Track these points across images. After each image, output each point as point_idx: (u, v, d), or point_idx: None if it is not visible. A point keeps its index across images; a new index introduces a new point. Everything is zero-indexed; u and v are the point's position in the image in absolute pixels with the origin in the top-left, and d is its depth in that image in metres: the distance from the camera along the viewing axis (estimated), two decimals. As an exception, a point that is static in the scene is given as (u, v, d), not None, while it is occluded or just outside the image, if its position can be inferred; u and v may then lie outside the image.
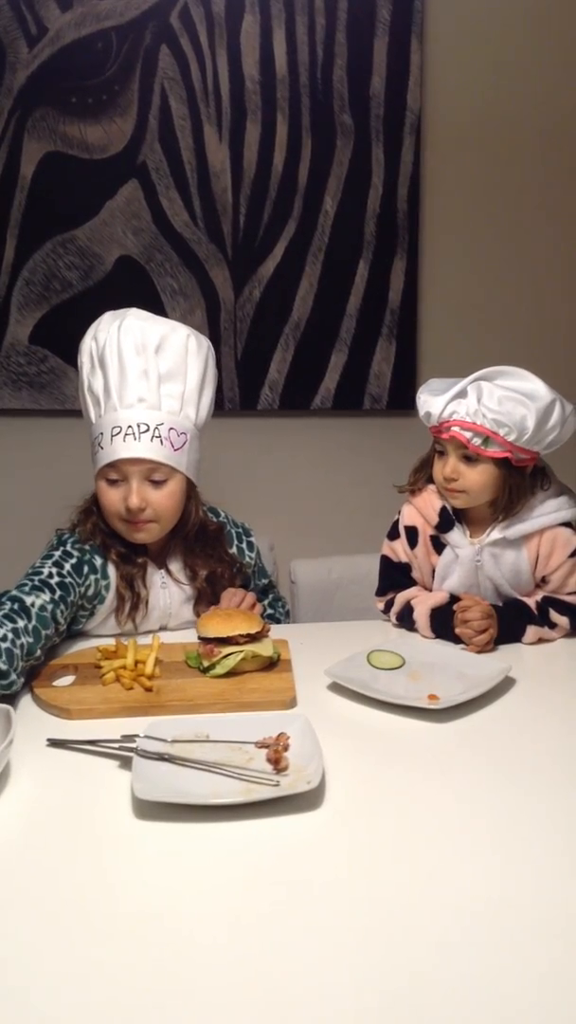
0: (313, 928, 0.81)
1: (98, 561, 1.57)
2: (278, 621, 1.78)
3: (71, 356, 2.25)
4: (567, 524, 1.59)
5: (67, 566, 1.52)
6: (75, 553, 1.56)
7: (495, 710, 1.29)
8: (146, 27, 2.17)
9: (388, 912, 0.83)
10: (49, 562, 1.52)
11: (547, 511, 1.58)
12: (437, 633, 1.57)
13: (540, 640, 1.57)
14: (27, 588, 1.44)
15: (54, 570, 1.50)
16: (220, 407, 2.32)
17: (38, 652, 1.38)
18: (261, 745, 1.13)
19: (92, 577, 1.55)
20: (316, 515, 2.46)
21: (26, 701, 1.32)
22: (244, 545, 1.75)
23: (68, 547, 1.57)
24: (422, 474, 1.66)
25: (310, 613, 1.90)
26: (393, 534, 1.70)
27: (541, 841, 0.95)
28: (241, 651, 1.39)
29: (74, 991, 0.74)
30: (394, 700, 1.28)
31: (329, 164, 2.28)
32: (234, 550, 1.72)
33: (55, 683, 1.38)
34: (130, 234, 2.24)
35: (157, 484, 1.53)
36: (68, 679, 1.39)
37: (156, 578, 1.62)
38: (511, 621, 1.55)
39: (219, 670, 1.38)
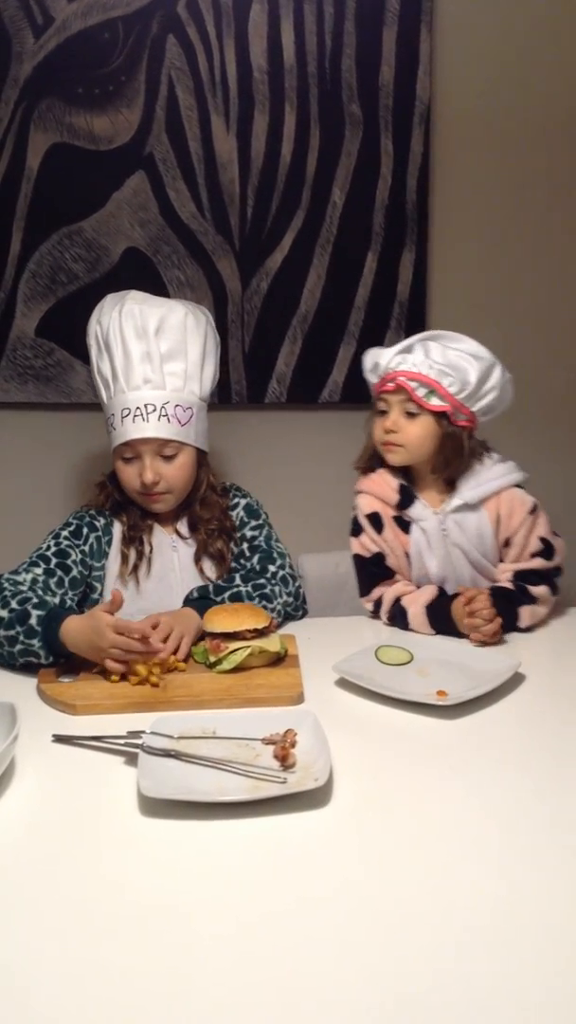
0: (320, 927, 0.80)
1: (100, 521, 1.71)
2: (284, 614, 1.67)
3: (77, 349, 2.24)
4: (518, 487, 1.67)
5: (64, 533, 1.66)
6: (74, 521, 1.70)
7: (504, 706, 1.28)
8: (153, 17, 2.15)
9: (396, 910, 0.82)
10: (50, 536, 1.67)
11: (500, 473, 1.66)
12: (438, 629, 1.57)
13: (535, 621, 1.60)
14: (24, 566, 1.59)
15: (52, 542, 1.65)
16: (227, 400, 2.32)
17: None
18: (268, 741, 1.12)
19: (92, 536, 1.68)
20: (324, 509, 2.44)
21: (31, 696, 1.31)
22: (231, 503, 1.79)
23: (70, 519, 1.71)
24: (371, 445, 1.70)
25: (317, 608, 1.89)
26: (356, 530, 1.73)
27: (552, 838, 0.94)
28: (248, 646, 1.39)
29: (76, 989, 0.73)
30: (402, 696, 1.27)
31: (337, 155, 2.26)
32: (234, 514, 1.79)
33: (60, 678, 1.37)
34: (137, 226, 2.22)
35: (168, 458, 1.65)
36: (74, 674, 1.38)
37: (167, 541, 1.71)
38: (504, 607, 1.56)
39: (226, 665, 1.37)
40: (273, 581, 1.64)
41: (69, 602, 1.58)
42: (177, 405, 1.63)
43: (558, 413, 2.47)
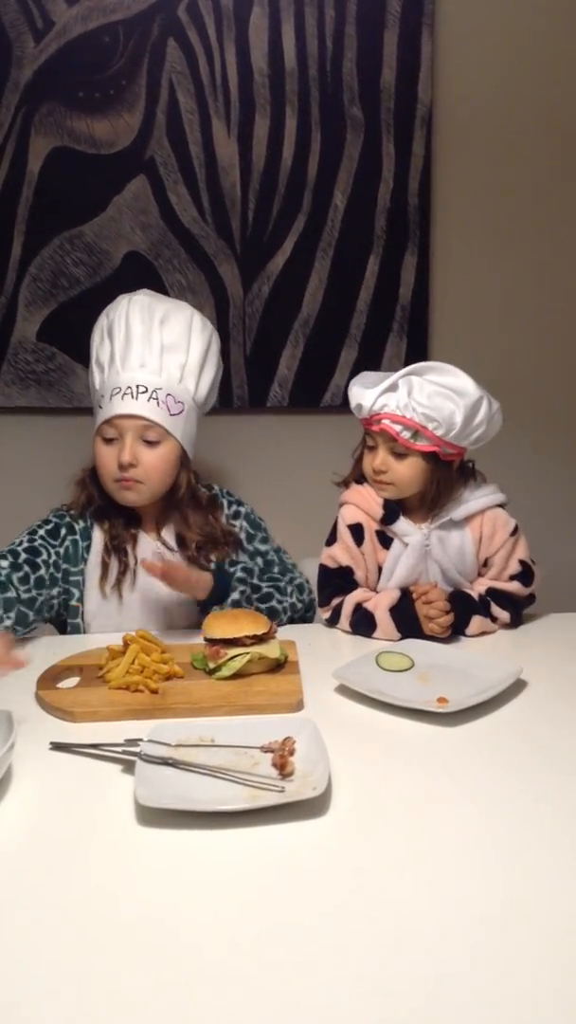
0: (319, 937, 0.79)
1: (80, 524, 1.66)
2: (290, 616, 1.69)
3: (79, 353, 2.24)
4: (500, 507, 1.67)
5: (40, 531, 1.63)
6: (53, 519, 1.66)
7: (506, 713, 1.27)
8: (153, 20, 2.14)
9: (396, 920, 0.82)
10: (25, 532, 1.63)
11: (485, 493, 1.66)
12: (403, 631, 1.56)
13: (483, 632, 1.60)
14: None
15: (26, 537, 1.61)
16: (229, 404, 2.31)
17: None
18: (267, 749, 1.11)
19: (70, 538, 1.63)
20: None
21: (29, 703, 1.31)
22: (231, 513, 1.76)
23: (48, 516, 1.67)
24: (360, 468, 1.69)
25: (318, 613, 1.88)
26: (331, 540, 1.70)
27: (555, 847, 0.93)
28: (247, 653, 1.37)
29: (70, 1000, 0.72)
30: (403, 703, 1.26)
31: (339, 158, 2.25)
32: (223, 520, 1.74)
33: (59, 685, 1.36)
34: (138, 230, 2.22)
35: (150, 444, 1.59)
36: (72, 681, 1.38)
37: (151, 549, 1.65)
38: (457, 610, 1.57)
39: (225, 672, 1.36)
40: (291, 587, 1.71)
41: (41, 600, 1.56)
42: (170, 394, 1.58)
43: (562, 416, 2.46)
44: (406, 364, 2.33)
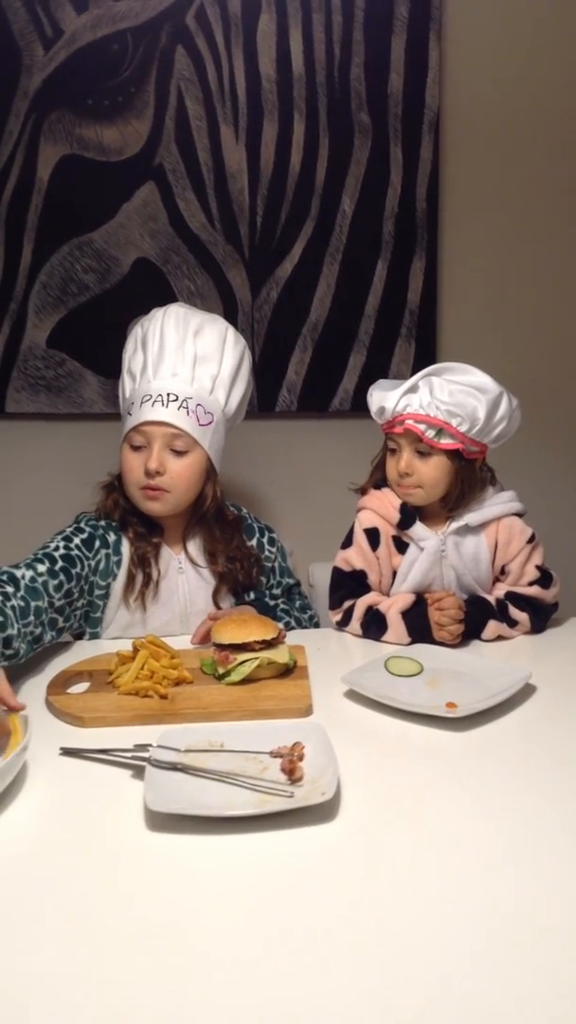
0: (327, 943, 0.79)
1: (112, 537, 1.64)
2: (303, 627, 1.76)
3: (89, 359, 2.25)
4: (518, 516, 1.68)
5: (76, 540, 1.59)
6: (87, 529, 1.63)
7: (515, 718, 1.27)
8: (162, 28, 2.15)
9: (404, 926, 0.81)
10: (59, 537, 1.60)
11: (503, 500, 1.66)
12: (414, 636, 1.56)
13: (499, 637, 1.60)
14: (27, 561, 1.51)
15: (62, 543, 1.57)
16: (237, 409, 2.32)
17: (31, 619, 1.42)
18: (276, 755, 1.11)
19: (103, 552, 1.61)
20: (335, 518, 2.43)
21: (40, 708, 1.31)
22: (265, 540, 1.79)
23: (82, 524, 1.64)
24: (378, 474, 1.70)
25: (328, 617, 1.88)
26: (347, 543, 1.71)
27: (564, 854, 0.93)
28: (256, 658, 1.38)
29: (77, 1004, 0.72)
30: (412, 708, 1.26)
31: (347, 164, 2.26)
32: (253, 543, 1.74)
33: (69, 690, 1.37)
34: (147, 236, 2.23)
35: (178, 454, 1.59)
36: (82, 686, 1.38)
37: (173, 563, 1.66)
38: (473, 615, 1.58)
39: (234, 677, 1.36)
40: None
41: (69, 609, 1.53)
42: (199, 404, 1.59)
43: (573, 420, 2.45)
44: (415, 369, 2.34)
